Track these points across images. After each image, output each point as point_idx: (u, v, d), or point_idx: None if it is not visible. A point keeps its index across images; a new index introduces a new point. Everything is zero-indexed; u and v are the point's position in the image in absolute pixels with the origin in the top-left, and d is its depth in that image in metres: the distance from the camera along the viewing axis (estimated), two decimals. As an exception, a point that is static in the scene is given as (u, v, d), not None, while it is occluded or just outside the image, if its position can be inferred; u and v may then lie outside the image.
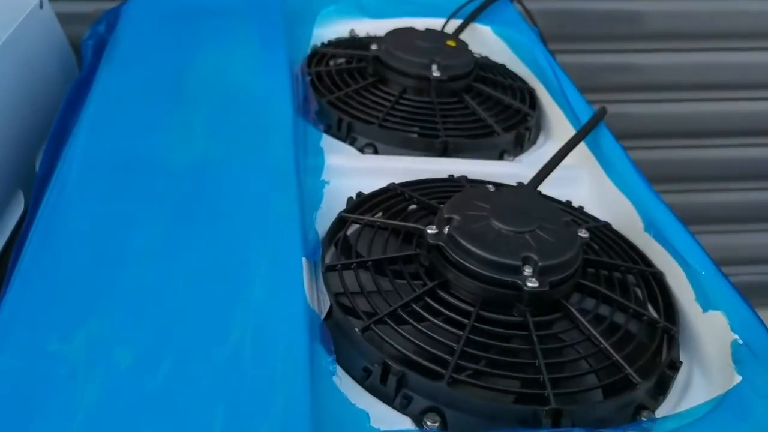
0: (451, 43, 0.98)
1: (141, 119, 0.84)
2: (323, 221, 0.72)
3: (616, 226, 0.77)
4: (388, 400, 0.56)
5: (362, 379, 0.57)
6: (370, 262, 0.65)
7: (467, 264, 0.61)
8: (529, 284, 0.59)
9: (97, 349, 0.55)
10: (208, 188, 0.73)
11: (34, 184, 0.89)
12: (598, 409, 0.55)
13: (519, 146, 0.92)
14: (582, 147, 0.87)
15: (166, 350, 0.55)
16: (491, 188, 0.71)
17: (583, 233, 0.66)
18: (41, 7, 1.12)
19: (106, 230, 0.66)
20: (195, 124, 0.84)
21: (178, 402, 0.51)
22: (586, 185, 0.85)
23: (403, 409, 0.55)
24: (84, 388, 0.52)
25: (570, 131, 0.92)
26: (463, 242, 0.61)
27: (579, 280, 0.64)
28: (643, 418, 0.56)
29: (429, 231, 0.64)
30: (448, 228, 0.63)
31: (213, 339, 0.56)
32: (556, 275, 0.61)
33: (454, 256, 0.62)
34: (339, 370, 0.57)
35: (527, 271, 0.60)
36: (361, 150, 0.87)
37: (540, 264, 0.60)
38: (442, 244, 0.63)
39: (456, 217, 0.64)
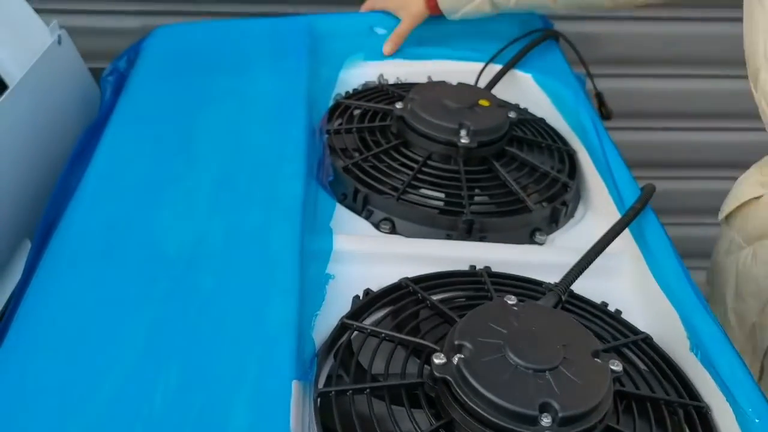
0: (484, 102, 0.89)
1: (145, 184, 0.79)
2: (326, 322, 0.65)
3: (658, 336, 0.68)
4: None
5: None
6: (368, 390, 0.57)
7: (476, 407, 0.53)
8: (546, 439, 0.51)
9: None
10: (202, 278, 0.67)
11: (36, 235, 0.85)
12: None
13: (554, 222, 0.83)
14: (626, 235, 0.77)
15: None
16: (512, 301, 0.62)
17: (616, 366, 0.57)
18: (59, 43, 1.08)
19: (87, 330, 0.62)
20: (199, 193, 0.78)
21: None
22: (628, 278, 0.76)
23: None
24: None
25: (612, 206, 0.83)
26: (472, 381, 0.53)
27: (608, 424, 0.55)
28: None
29: (436, 361, 0.56)
30: (458, 359, 0.55)
31: None
32: (579, 426, 0.52)
33: (462, 395, 0.54)
34: None
35: (545, 421, 0.52)
36: (377, 225, 0.80)
37: (561, 414, 0.52)
38: (449, 378, 0.55)
39: (467, 345, 0.56)
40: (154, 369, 0.58)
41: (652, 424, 0.58)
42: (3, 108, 0.91)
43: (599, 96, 1.09)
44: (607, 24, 1.52)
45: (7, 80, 1.04)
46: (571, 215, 0.86)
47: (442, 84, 0.93)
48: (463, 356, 0.55)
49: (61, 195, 0.86)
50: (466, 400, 0.53)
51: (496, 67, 1.04)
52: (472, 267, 0.73)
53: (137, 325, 0.62)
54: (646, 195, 0.78)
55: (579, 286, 0.71)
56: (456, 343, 0.56)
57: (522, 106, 1.00)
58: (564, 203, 0.84)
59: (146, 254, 0.69)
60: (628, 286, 0.75)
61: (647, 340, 0.67)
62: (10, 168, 0.92)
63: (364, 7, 1.14)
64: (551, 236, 0.82)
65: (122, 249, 0.70)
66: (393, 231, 0.79)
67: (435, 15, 1.07)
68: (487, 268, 0.72)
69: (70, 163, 0.95)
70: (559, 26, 1.16)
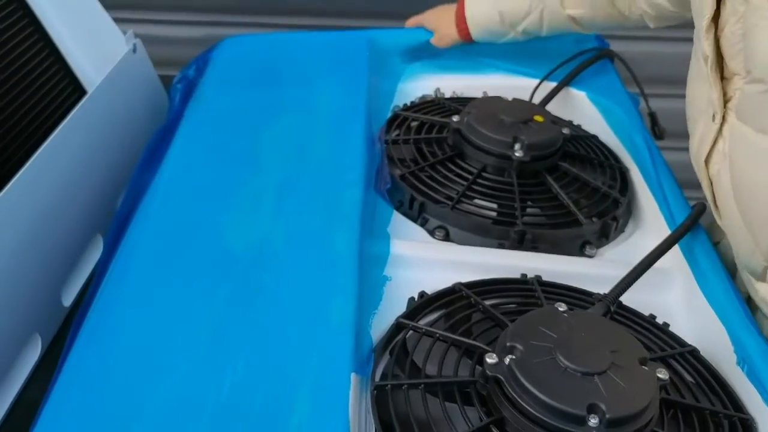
0: (538, 118, 0.92)
1: (212, 187, 0.83)
2: (382, 322, 0.69)
3: (705, 350, 0.69)
4: None
5: None
6: (422, 385, 0.60)
7: (526, 406, 0.56)
8: (594, 439, 0.53)
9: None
10: (266, 277, 0.71)
11: (109, 232, 0.91)
12: None
13: (604, 237, 0.85)
14: (676, 251, 0.79)
15: None
16: (562, 308, 0.65)
17: (663, 374, 0.59)
18: (134, 51, 1.15)
19: (159, 322, 0.66)
20: (263, 197, 0.82)
21: None
22: (676, 293, 0.78)
23: None
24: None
25: (662, 223, 0.85)
26: (524, 380, 0.56)
27: (654, 429, 0.57)
28: None
29: (488, 360, 0.59)
30: (509, 359, 0.58)
31: None
32: (625, 428, 0.55)
33: (513, 394, 0.56)
34: None
35: (592, 422, 0.54)
36: (432, 232, 0.83)
37: (608, 416, 0.54)
38: (501, 377, 0.58)
39: (519, 346, 0.59)
40: (222, 360, 0.62)
41: (697, 433, 0.60)
42: (82, 112, 0.98)
43: (652, 116, 1.10)
44: (661, 44, 1.53)
45: (86, 85, 1.11)
46: (622, 230, 0.88)
47: (498, 99, 0.97)
48: (514, 357, 0.58)
49: (133, 195, 0.91)
50: (517, 398, 0.56)
51: (550, 85, 1.07)
52: (524, 275, 0.75)
53: (206, 319, 0.66)
54: (697, 213, 0.79)
55: (628, 299, 0.73)
56: (508, 344, 0.59)
57: (575, 123, 1.03)
58: (615, 218, 0.86)
59: (214, 253, 0.74)
60: (677, 300, 0.77)
61: (694, 352, 0.68)
62: (86, 168, 0.98)
63: (408, 24, 1.18)
64: (601, 250, 0.84)
65: (191, 247, 0.75)
66: (447, 238, 0.82)
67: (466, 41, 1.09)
68: (537, 277, 0.75)
69: (141, 164, 1.01)
70: (614, 46, 1.18)
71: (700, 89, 0.73)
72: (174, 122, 1.00)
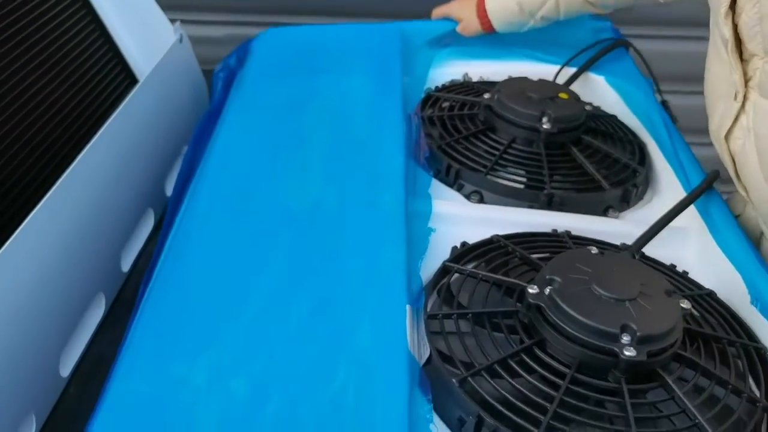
0: (563, 95, 1.00)
1: (262, 161, 0.90)
2: (428, 268, 0.76)
3: (721, 295, 0.76)
4: (480, 452, 0.59)
5: (456, 427, 0.60)
6: (470, 315, 0.68)
7: (565, 326, 0.63)
8: (626, 353, 0.60)
9: (217, 378, 0.60)
10: (323, 232, 0.78)
11: (168, 207, 0.98)
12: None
13: (625, 202, 0.92)
14: (692, 211, 0.86)
15: (276, 386, 0.60)
16: (594, 251, 0.72)
17: (685, 304, 0.67)
18: (181, 41, 1.22)
19: (228, 268, 0.72)
20: (312, 166, 0.89)
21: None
22: (693, 248, 0.85)
23: (494, 463, 0.58)
24: (203, 415, 0.57)
25: (679, 190, 0.92)
26: (563, 305, 0.63)
27: (678, 350, 0.65)
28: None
29: (530, 290, 0.66)
30: (549, 289, 0.65)
31: (319, 380, 0.60)
32: (654, 345, 0.62)
33: (553, 317, 0.64)
34: (435, 417, 0.60)
35: (625, 339, 0.61)
36: (468, 197, 0.90)
37: (639, 334, 0.61)
38: (542, 304, 0.65)
39: (557, 278, 0.66)
40: (289, 299, 0.69)
41: (717, 359, 0.67)
42: (135, 98, 1.04)
43: (665, 103, 1.17)
44: (674, 43, 1.60)
45: (137, 73, 1.18)
46: (641, 197, 0.95)
47: (525, 79, 1.04)
48: (553, 287, 0.65)
49: (188, 170, 0.98)
50: (557, 321, 0.63)
51: (571, 70, 1.15)
52: (554, 230, 0.83)
53: (270, 266, 0.72)
54: (712, 176, 0.87)
55: (648, 253, 0.80)
56: (547, 277, 0.66)
57: (595, 105, 1.10)
58: (635, 185, 0.93)
59: (272, 210, 0.80)
60: (693, 255, 0.84)
61: (712, 294, 0.75)
62: (137, 150, 1.05)
63: (434, 13, 1.25)
64: (622, 214, 0.92)
65: (250, 206, 0.81)
66: (481, 202, 0.90)
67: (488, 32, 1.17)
68: (567, 232, 0.82)
69: (192, 145, 1.08)
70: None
71: (720, 72, 0.81)
72: (218, 107, 1.07)
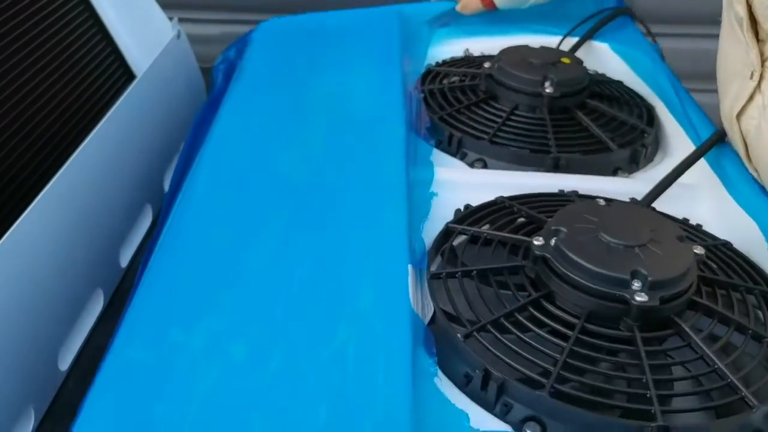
0: (565, 60, 0.97)
1: (263, 137, 0.89)
2: (430, 232, 0.74)
3: (737, 245, 0.73)
4: (488, 407, 0.56)
5: (463, 384, 0.58)
6: (474, 272, 0.65)
7: (573, 276, 0.60)
8: (637, 298, 0.58)
9: (215, 343, 0.59)
10: (323, 199, 0.76)
11: (164, 199, 0.97)
12: (709, 430, 0.53)
13: (634, 163, 0.90)
14: (703, 166, 0.83)
15: (276, 348, 0.58)
16: (602, 202, 0.69)
17: (699, 250, 0.64)
18: (178, 37, 1.22)
19: (228, 237, 0.71)
20: (313, 140, 0.88)
21: (285, 398, 0.54)
22: (706, 204, 0.82)
23: (503, 417, 0.55)
24: (202, 379, 0.56)
25: (690, 150, 0.89)
26: (570, 254, 0.61)
27: (693, 297, 0.62)
28: (761, 444, 0.53)
29: (535, 242, 0.64)
30: (555, 240, 0.63)
31: (320, 339, 0.59)
32: (667, 291, 0.59)
33: (560, 267, 0.61)
34: (440, 374, 0.58)
35: (636, 285, 0.59)
36: (471, 165, 0.88)
37: (650, 279, 0.58)
38: (548, 255, 0.62)
39: (563, 229, 0.63)
40: (289, 264, 0.67)
41: (735, 307, 0.64)
42: (132, 94, 1.04)
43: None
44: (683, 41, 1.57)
45: (134, 69, 1.18)
46: (651, 159, 0.92)
47: (526, 47, 1.02)
48: (559, 238, 0.63)
49: (186, 158, 0.97)
50: (564, 271, 0.61)
51: (573, 40, 1.13)
52: (561, 191, 0.80)
53: (272, 230, 0.71)
54: (722, 130, 0.84)
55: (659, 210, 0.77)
56: (553, 228, 0.64)
57: (600, 72, 1.08)
58: (643, 145, 0.90)
59: (273, 180, 0.79)
60: (707, 210, 0.81)
61: (727, 244, 0.72)
62: (135, 146, 1.04)
63: None
64: (632, 175, 0.89)
65: (251, 180, 0.80)
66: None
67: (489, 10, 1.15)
68: (574, 192, 0.80)
69: (191, 134, 1.07)
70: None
71: (735, 52, 0.79)
72: (218, 98, 1.07)
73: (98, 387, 0.55)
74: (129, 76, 1.16)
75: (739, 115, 0.78)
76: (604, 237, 0.62)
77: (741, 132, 0.79)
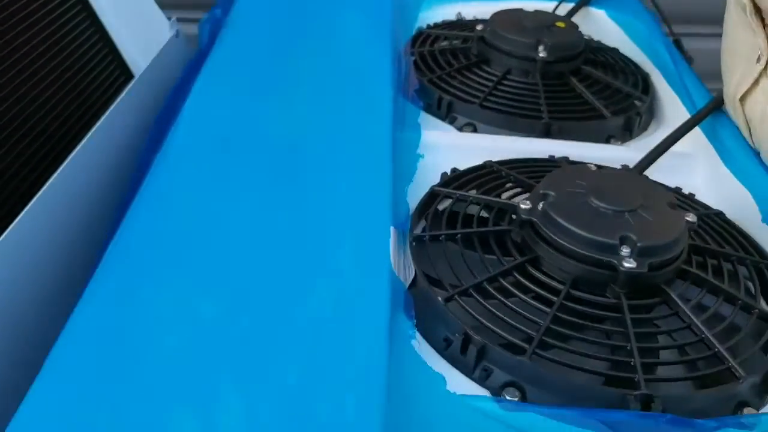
0: (560, 24, 0.94)
1: (247, 96, 0.86)
2: (415, 195, 0.72)
3: (730, 215, 0.71)
4: (467, 372, 0.54)
5: (442, 348, 0.56)
6: (459, 235, 0.63)
7: (560, 240, 0.58)
8: (625, 264, 0.56)
9: (184, 300, 0.57)
10: (305, 157, 0.74)
11: (141, 156, 0.94)
12: (694, 400, 0.51)
13: (628, 132, 0.87)
14: (698, 135, 0.81)
15: (248, 306, 0.56)
16: (593, 168, 0.67)
17: (691, 217, 0.62)
18: (177, 37, 1.19)
19: (205, 193, 0.69)
20: (298, 99, 0.85)
21: (254, 357, 0.52)
22: (700, 174, 0.80)
23: (482, 382, 0.54)
24: (168, 336, 0.53)
25: (686, 118, 0.86)
26: (557, 218, 0.59)
27: (683, 266, 0.60)
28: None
29: (522, 206, 0.61)
30: (543, 204, 0.61)
31: (295, 297, 0.56)
32: (656, 258, 0.57)
33: (547, 232, 0.59)
34: (419, 337, 0.56)
35: (624, 251, 0.57)
36: (460, 130, 0.86)
37: (639, 245, 0.56)
38: (534, 219, 0.60)
39: (552, 193, 0.61)
40: (269, 221, 0.64)
41: (725, 277, 0.62)
42: (130, 94, 1.02)
43: (678, 42, 1.11)
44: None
45: (132, 69, 1.15)
46: (645, 129, 0.90)
47: (520, 10, 0.99)
48: (548, 201, 0.61)
49: (168, 114, 0.94)
50: (551, 235, 0.59)
51: (569, 6, 1.10)
52: (552, 156, 0.78)
53: (250, 193, 0.68)
54: (719, 98, 0.82)
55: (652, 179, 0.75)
56: (541, 192, 0.62)
57: (596, 39, 1.05)
58: (638, 113, 0.88)
59: (254, 143, 0.76)
60: (701, 179, 0.79)
61: (720, 214, 0.70)
62: (134, 144, 1.01)
63: None
64: (625, 144, 0.86)
65: (231, 140, 0.77)
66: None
67: None
68: (565, 158, 0.77)
69: (173, 91, 1.04)
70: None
71: (741, 36, 0.77)
72: (202, 57, 1.04)
73: (65, 338, 0.53)
74: (127, 75, 1.13)
75: (743, 99, 0.76)
76: (593, 202, 0.60)
77: (744, 115, 0.77)
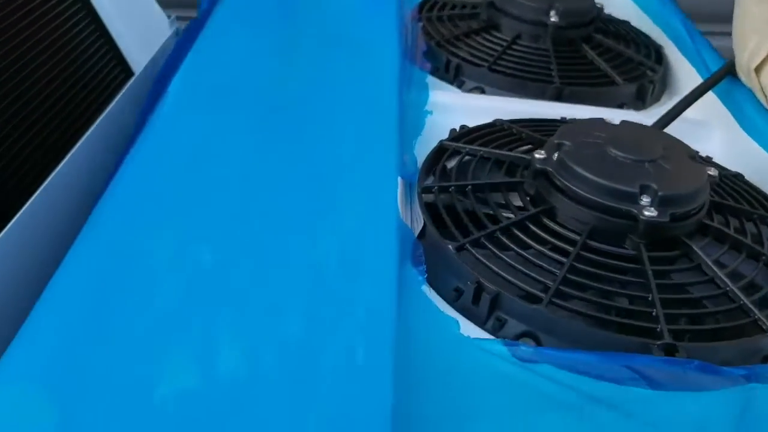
0: (572, -10, 0.92)
1: (250, 57, 0.83)
2: (423, 151, 0.69)
3: (750, 178, 0.69)
4: (479, 322, 0.51)
5: (453, 299, 0.53)
6: (469, 187, 0.60)
7: (576, 189, 0.55)
8: (646, 213, 0.53)
9: (183, 248, 0.54)
10: (310, 115, 0.71)
11: (146, 99, 0.92)
12: (719, 351, 0.48)
13: (641, 100, 0.85)
14: (713, 101, 0.79)
15: (249, 253, 0.53)
16: (610, 121, 0.64)
17: (713, 171, 0.59)
18: (177, 33, 1.17)
19: (210, 145, 0.66)
20: (302, 60, 0.83)
21: (254, 305, 0.49)
22: (717, 140, 0.77)
23: (495, 332, 0.51)
24: (164, 284, 0.50)
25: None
26: (574, 166, 0.56)
27: (704, 220, 0.57)
28: (774, 366, 0.49)
29: (537, 156, 0.59)
30: (558, 153, 0.58)
31: (298, 248, 0.53)
32: (678, 208, 0.54)
33: (563, 181, 0.56)
34: (428, 288, 0.53)
35: (645, 200, 0.54)
36: (469, 93, 0.83)
37: (660, 194, 0.54)
38: (550, 169, 0.57)
39: (568, 143, 0.59)
40: (273, 172, 0.62)
41: (747, 234, 0.59)
42: (130, 91, 0.99)
43: None
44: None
45: (133, 66, 1.12)
46: (658, 99, 0.88)
47: (531, -22, 0.97)
48: (563, 151, 0.58)
49: (160, 87, 0.92)
50: (567, 184, 0.56)
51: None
52: (563, 118, 0.75)
53: (254, 147, 0.66)
54: (732, 62, 0.79)
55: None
56: (556, 142, 0.59)
57: (606, 12, 1.03)
58: (651, 81, 0.85)
59: (260, 98, 0.74)
60: (717, 145, 0.77)
61: (739, 176, 0.68)
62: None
63: None
64: (639, 112, 0.84)
65: (234, 99, 0.74)
66: (483, 97, 0.83)
67: None
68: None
69: (172, 53, 1.01)
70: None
71: (755, 8, 0.76)
72: (202, 21, 1.01)
73: (53, 288, 0.50)
74: (127, 73, 1.11)
75: (758, 69, 0.75)
76: (611, 151, 0.57)
77: (760, 84, 0.75)
